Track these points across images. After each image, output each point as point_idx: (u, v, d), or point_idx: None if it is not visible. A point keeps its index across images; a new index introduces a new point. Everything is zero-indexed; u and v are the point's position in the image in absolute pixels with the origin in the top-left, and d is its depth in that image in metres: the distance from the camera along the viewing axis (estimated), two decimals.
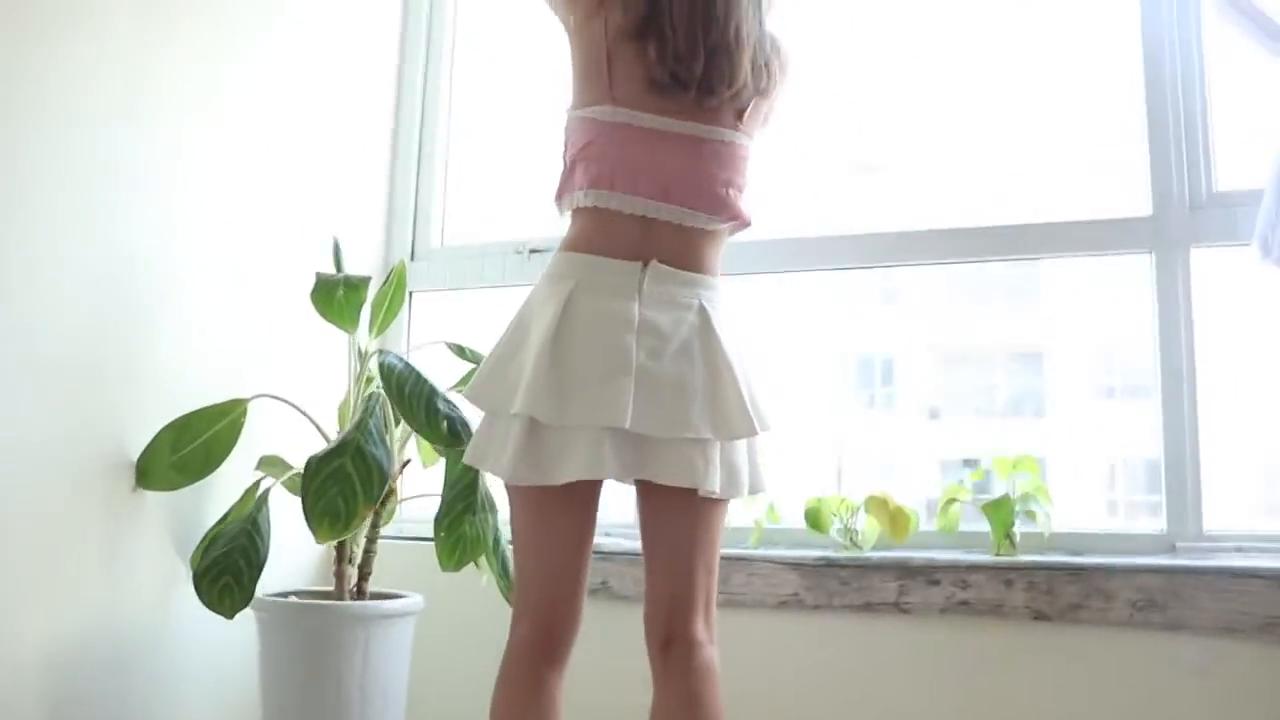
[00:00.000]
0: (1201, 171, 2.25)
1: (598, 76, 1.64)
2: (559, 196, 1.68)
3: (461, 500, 1.99)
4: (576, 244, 1.64)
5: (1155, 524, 2.19)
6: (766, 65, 1.67)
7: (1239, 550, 2.10)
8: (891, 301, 4.94)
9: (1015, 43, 2.82)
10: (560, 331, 1.56)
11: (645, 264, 1.60)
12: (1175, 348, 2.20)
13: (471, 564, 2.10)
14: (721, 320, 1.63)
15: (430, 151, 2.82)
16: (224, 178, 2.30)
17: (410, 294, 2.72)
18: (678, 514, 1.63)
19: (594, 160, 1.63)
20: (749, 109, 1.68)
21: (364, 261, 2.69)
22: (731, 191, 1.66)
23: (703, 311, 1.61)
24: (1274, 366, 2.26)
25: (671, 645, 1.62)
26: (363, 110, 2.76)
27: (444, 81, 2.87)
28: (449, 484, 2.02)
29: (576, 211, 1.66)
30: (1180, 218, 2.23)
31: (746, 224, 1.71)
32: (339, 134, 2.66)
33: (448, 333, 2.44)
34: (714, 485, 1.57)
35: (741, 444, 1.64)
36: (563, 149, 1.69)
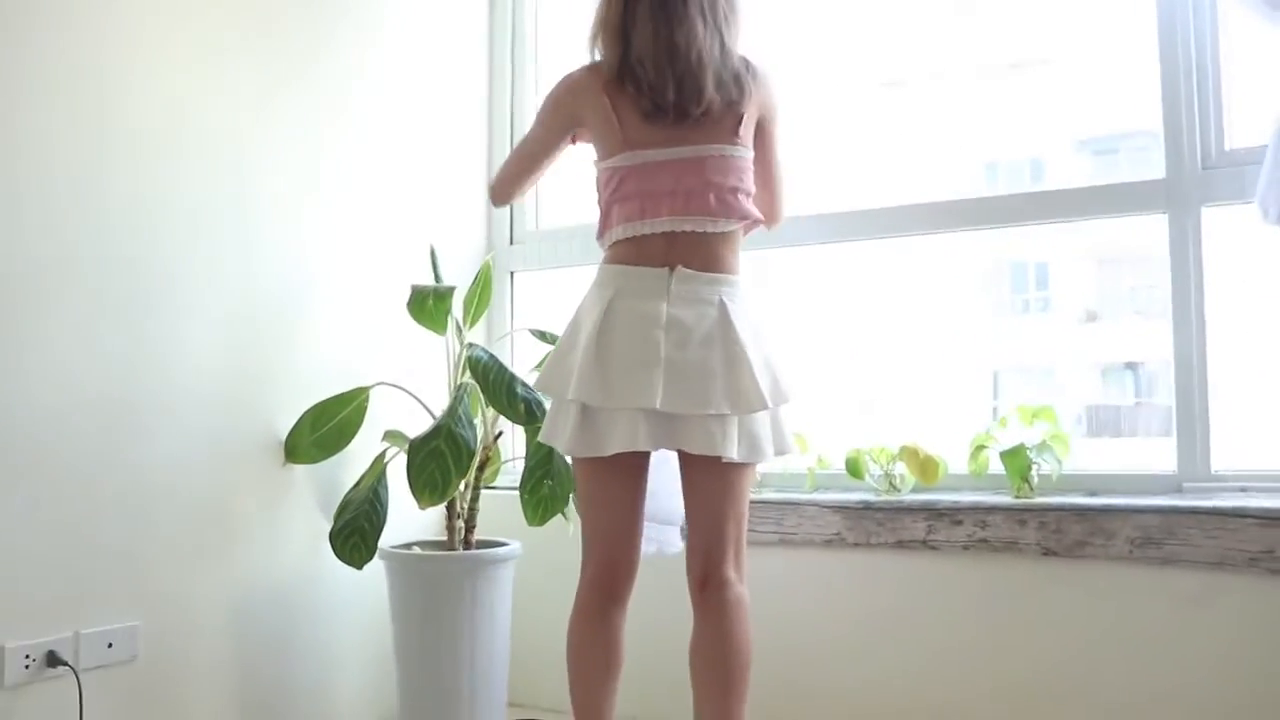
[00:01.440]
0: (1212, 131, 2.36)
1: (611, 132, 1.99)
2: (601, 235, 2.05)
3: (540, 468, 2.39)
4: (616, 258, 2.01)
5: (1169, 465, 2.38)
6: (737, 80, 1.97)
7: (1243, 490, 2.26)
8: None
9: (1034, 30, 2.96)
10: (603, 331, 1.93)
11: (672, 269, 1.95)
12: (1185, 299, 2.35)
13: (560, 515, 2.50)
14: (740, 311, 1.96)
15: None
16: (342, 197, 2.72)
17: (512, 275, 3.11)
18: (709, 477, 1.98)
19: (625, 200, 1.98)
20: (741, 124, 1.98)
21: (470, 247, 3.09)
22: (739, 196, 1.99)
23: (722, 306, 1.94)
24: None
25: (707, 584, 1.98)
26: (460, 108, 3.12)
27: (530, 70, 3.19)
28: (530, 454, 2.41)
29: (625, 239, 2.00)
30: (1192, 178, 2.36)
31: (758, 221, 2.04)
32: (440, 135, 3.04)
33: (546, 307, 2.83)
34: (733, 453, 1.90)
35: (763, 416, 1.96)
36: (598, 197, 2.05)
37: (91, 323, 2.17)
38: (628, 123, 1.98)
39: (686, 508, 2.05)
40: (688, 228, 1.96)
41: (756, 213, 2.04)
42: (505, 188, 2.20)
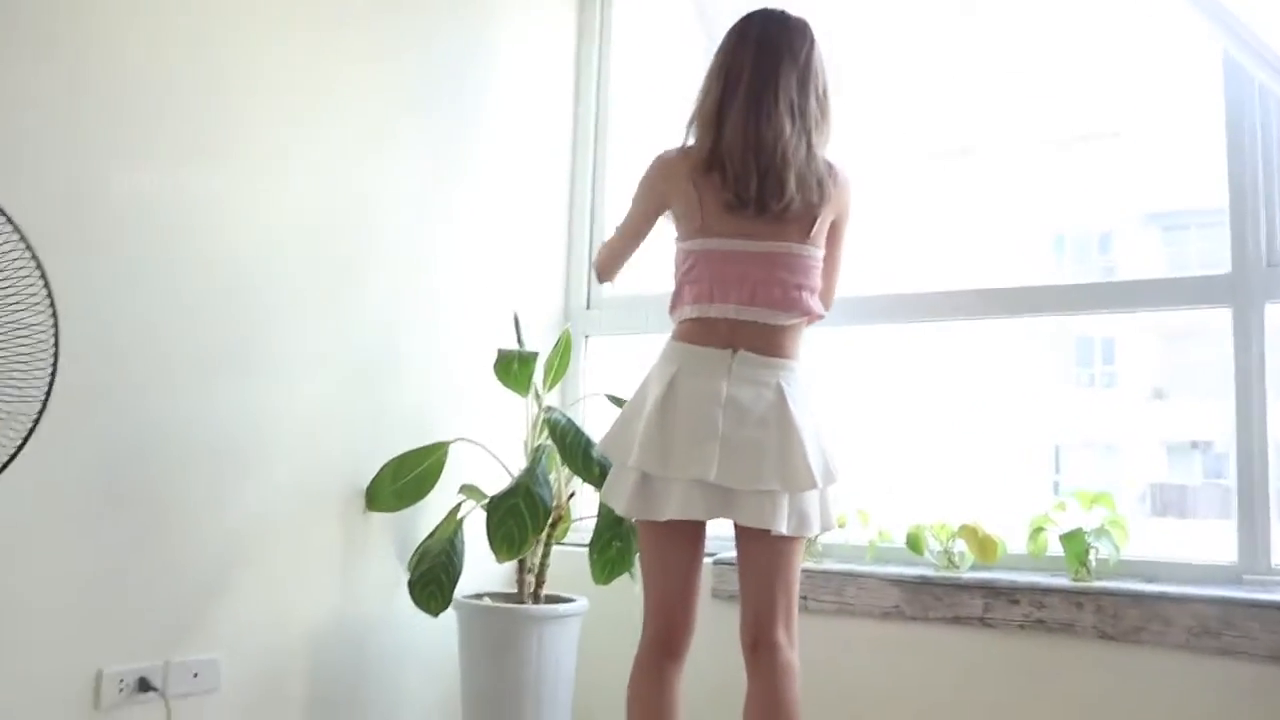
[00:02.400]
0: (1279, 228, 2.42)
1: (691, 216, 2.12)
2: (672, 310, 2.17)
3: (609, 530, 2.49)
4: (683, 336, 2.12)
5: (1229, 555, 2.41)
6: (819, 183, 2.08)
7: None
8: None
9: (1103, 103, 3.03)
10: (665, 404, 2.05)
11: (735, 351, 2.05)
12: (1248, 393, 2.39)
13: (627, 574, 2.59)
14: (795, 394, 2.05)
15: (600, 214, 3.31)
16: (434, 260, 2.87)
17: (586, 338, 3.24)
18: (760, 548, 2.08)
19: (696, 281, 2.11)
20: (815, 226, 2.08)
21: (548, 311, 3.22)
22: (804, 294, 2.10)
23: (779, 389, 2.04)
24: None
25: (758, 648, 2.07)
26: (545, 180, 3.27)
27: (611, 148, 3.34)
28: (601, 516, 2.51)
29: (692, 319, 2.12)
30: (1256, 273, 2.41)
31: (818, 317, 2.14)
32: (525, 204, 3.18)
33: (617, 370, 2.94)
34: (782, 528, 2.00)
35: (812, 494, 2.05)
36: (674, 273, 2.17)
37: (205, 375, 2.33)
38: (709, 210, 2.09)
39: (739, 575, 2.14)
40: (751, 317, 2.07)
41: (820, 309, 2.15)
42: (609, 265, 2.37)
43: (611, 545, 2.48)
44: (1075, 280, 2.76)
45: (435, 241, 2.89)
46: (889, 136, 3.41)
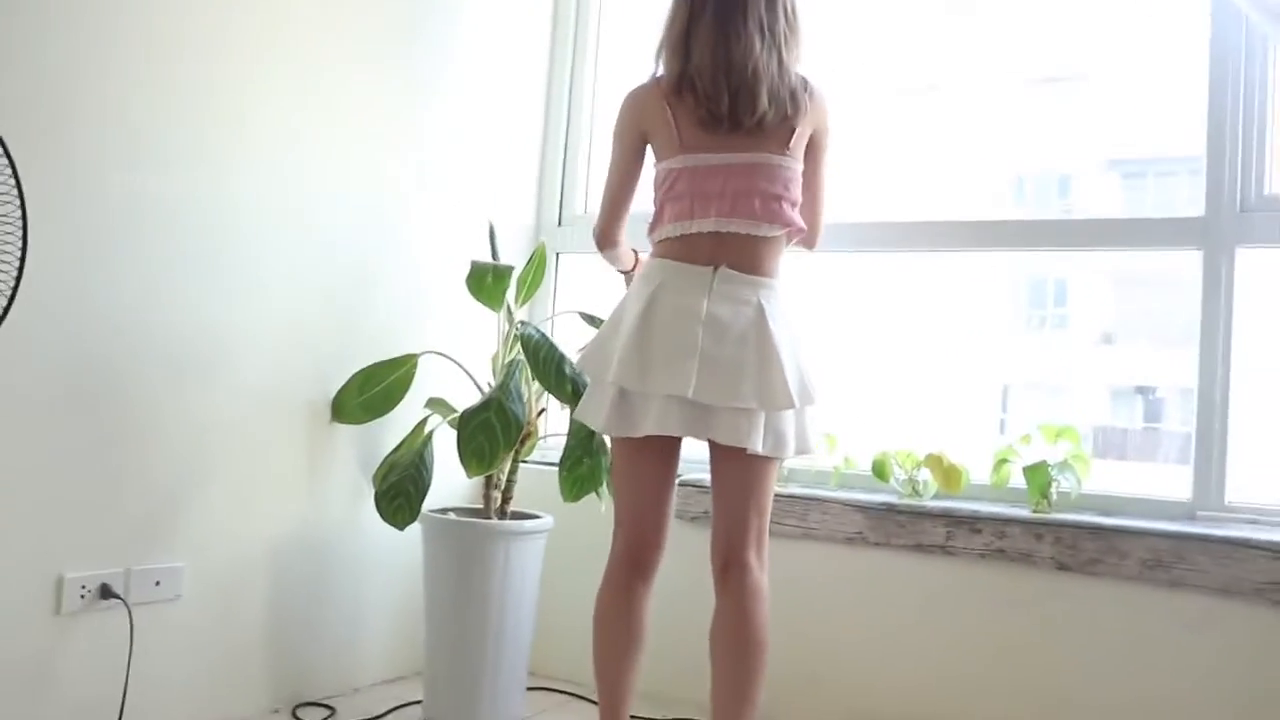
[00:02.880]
0: (1254, 174, 2.44)
1: (669, 138, 2.11)
2: (652, 230, 2.15)
3: (580, 447, 2.48)
4: (664, 253, 2.11)
5: (1184, 492, 2.47)
6: (793, 95, 2.07)
7: (1253, 522, 2.36)
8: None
9: (1087, 44, 3.03)
10: (645, 321, 2.04)
11: (716, 268, 2.05)
12: (1214, 336, 2.43)
13: (593, 493, 2.59)
14: (776, 313, 2.05)
15: (576, 133, 3.26)
16: (398, 167, 2.81)
17: (557, 255, 3.20)
18: (734, 467, 2.09)
19: (677, 199, 2.09)
20: (793, 138, 2.08)
21: (519, 227, 3.18)
22: (784, 205, 2.09)
23: (760, 307, 2.04)
24: None
25: (729, 568, 2.08)
26: (517, 97, 3.21)
27: (589, 61, 3.27)
28: (571, 433, 2.50)
29: (674, 237, 2.10)
30: (1230, 218, 2.44)
31: (801, 230, 2.14)
32: (497, 121, 3.13)
33: (588, 288, 2.92)
34: (758, 446, 2.00)
35: (789, 414, 2.05)
36: (654, 195, 2.15)
37: (164, 272, 2.26)
38: (684, 128, 2.09)
39: (713, 495, 2.15)
40: (732, 229, 2.06)
41: (800, 221, 2.13)
42: (607, 230, 2.27)
43: (581, 463, 2.48)
44: (1052, 216, 2.78)
45: (406, 155, 2.83)
46: (857, 71, 3.39)
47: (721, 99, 2.04)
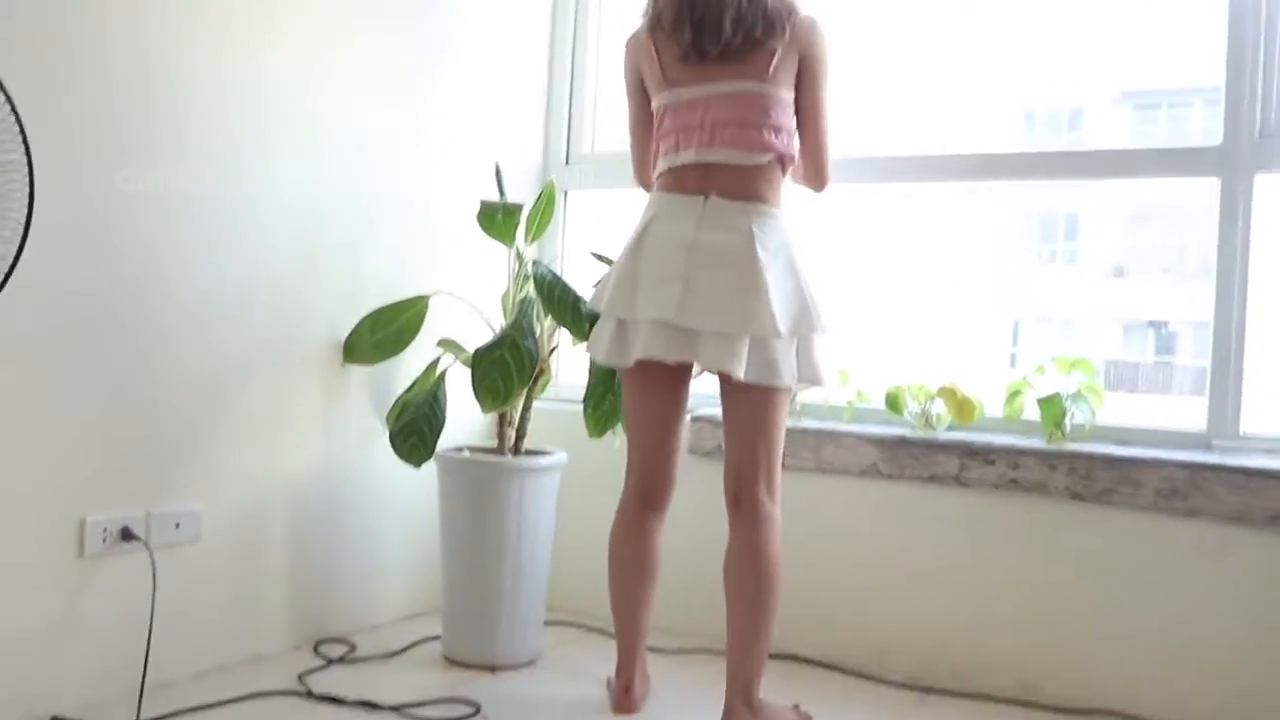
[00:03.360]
0: (1274, 100, 2.41)
1: (655, 76, 2.16)
2: (654, 169, 2.19)
3: (602, 384, 2.48)
4: (660, 186, 2.16)
5: (1199, 423, 2.46)
6: (765, 18, 2.06)
7: (1269, 451, 2.36)
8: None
9: None
10: (636, 250, 2.09)
11: (707, 197, 2.06)
12: (1230, 265, 2.41)
13: (612, 430, 2.59)
14: (768, 240, 2.05)
15: (582, 69, 3.22)
16: (407, 108, 2.78)
17: (565, 193, 3.18)
18: (740, 401, 2.10)
19: (666, 134, 2.14)
20: (772, 63, 2.07)
21: (526, 166, 3.16)
22: (766, 133, 2.08)
23: (750, 233, 2.04)
24: None
25: (740, 502, 2.11)
26: (523, 37, 3.17)
27: (594, 4, 3.22)
28: (591, 370, 2.50)
29: (666, 170, 2.14)
30: (1250, 145, 2.41)
31: (791, 159, 2.13)
32: (503, 61, 3.09)
33: (597, 226, 2.90)
34: (739, 373, 2.00)
35: (783, 343, 2.04)
36: (655, 133, 2.19)
37: (177, 215, 2.24)
38: (668, 64, 2.13)
39: (724, 430, 2.16)
40: (716, 159, 2.07)
41: (787, 148, 2.11)
42: (639, 173, 2.34)
43: (605, 399, 2.48)
44: (1062, 149, 2.75)
45: (415, 96, 2.80)
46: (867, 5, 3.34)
47: (684, 31, 2.07)
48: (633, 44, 2.22)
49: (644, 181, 2.31)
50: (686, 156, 2.09)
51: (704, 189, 2.07)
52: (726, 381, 2.08)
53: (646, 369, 2.10)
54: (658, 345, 2.03)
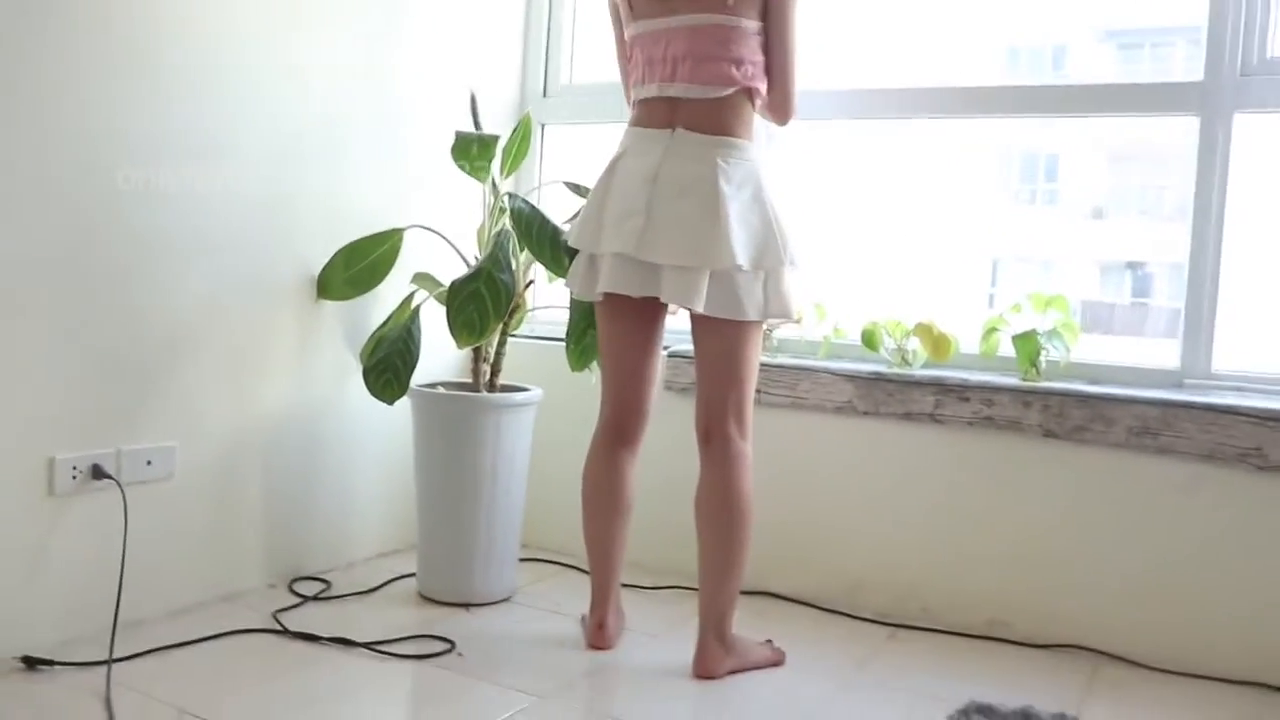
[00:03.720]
0: (1256, 37, 2.38)
1: (626, 7, 2.13)
2: (627, 97, 2.19)
3: (584, 319, 2.46)
4: (631, 120, 2.14)
5: (1172, 361, 2.47)
6: None
7: (1239, 390, 2.38)
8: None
9: None
10: (603, 184, 2.10)
11: (674, 130, 2.05)
12: (1207, 203, 2.41)
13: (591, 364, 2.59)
14: (733, 173, 2.02)
15: (559, 2, 3.16)
16: (380, 40, 2.72)
17: (543, 126, 3.14)
18: (709, 337, 2.10)
19: (635, 67, 2.13)
20: None
21: (504, 98, 3.11)
22: (728, 65, 2.05)
23: (716, 165, 2.02)
24: None
25: (711, 438, 2.11)
26: None
27: None
28: (572, 305, 2.48)
29: (635, 102, 2.13)
30: (1230, 83, 2.39)
31: (757, 91, 2.08)
32: None
33: (574, 160, 2.86)
34: (699, 306, 1.99)
35: (748, 277, 2.01)
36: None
37: (139, 159, 2.19)
38: None
39: (695, 366, 2.16)
40: (676, 93, 2.06)
41: (751, 80, 2.06)
42: (628, 99, 2.25)
43: (586, 334, 2.45)
44: (1042, 83, 2.72)
45: (389, 27, 2.74)
46: None
47: None
48: None
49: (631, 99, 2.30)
50: (650, 90, 2.08)
51: (670, 122, 2.06)
52: (697, 316, 2.08)
53: (616, 302, 2.11)
54: (620, 279, 2.04)
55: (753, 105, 2.09)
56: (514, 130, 2.61)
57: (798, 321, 2.64)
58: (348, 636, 2.22)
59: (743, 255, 1.98)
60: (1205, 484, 2.28)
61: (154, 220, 2.23)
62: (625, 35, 2.17)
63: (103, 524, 2.16)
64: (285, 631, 2.25)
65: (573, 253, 2.24)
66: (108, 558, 2.15)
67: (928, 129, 3.24)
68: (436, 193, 2.80)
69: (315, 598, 2.49)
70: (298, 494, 2.62)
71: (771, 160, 2.81)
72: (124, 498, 2.15)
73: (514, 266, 2.47)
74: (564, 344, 2.50)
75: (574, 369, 2.54)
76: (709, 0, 2.03)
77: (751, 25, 2.06)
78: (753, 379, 2.13)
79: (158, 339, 2.27)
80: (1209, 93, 2.41)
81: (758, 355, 2.14)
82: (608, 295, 2.08)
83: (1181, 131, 2.49)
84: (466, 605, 2.51)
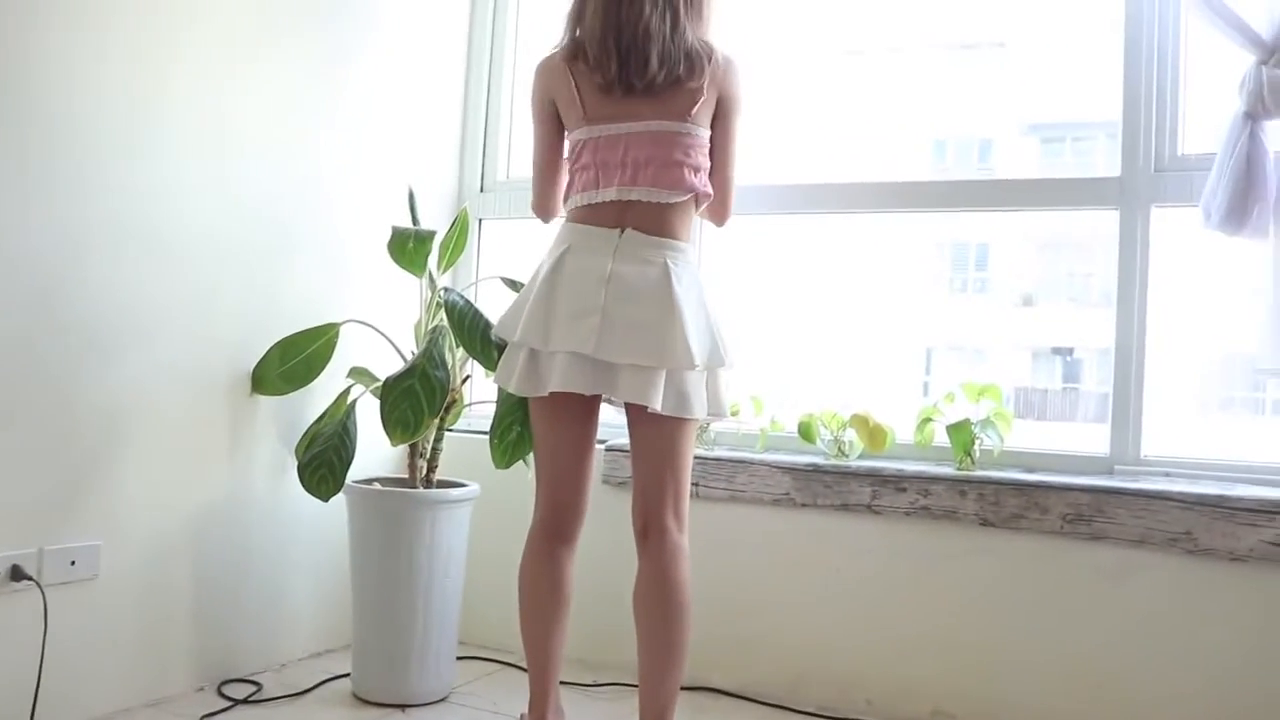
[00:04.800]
0: (1167, 136, 2.49)
1: (573, 107, 2.13)
2: (565, 199, 2.18)
3: (510, 414, 2.44)
4: (574, 217, 2.14)
5: (1102, 448, 2.52)
6: (689, 57, 2.07)
7: (1167, 475, 2.42)
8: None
9: (1005, 11, 3.07)
10: (551, 282, 2.07)
11: (623, 231, 2.07)
12: (1130, 293, 2.48)
13: (521, 460, 2.56)
14: (681, 275, 2.06)
15: (497, 98, 3.21)
16: (320, 137, 2.74)
17: (480, 221, 3.16)
18: (647, 431, 2.10)
19: (584, 169, 2.12)
20: (697, 106, 2.09)
21: (442, 193, 3.14)
22: (686, 171, 2.10)
23: (665, 267, 2.05)
24: (1215, 312, 2.55)
25: (648, 532, 2.10)
26: (438, 63, 3.16)
27: (510, 20, 3.22)
28: (501, 400, 2.46)
29: (583, 206, 2.13)
30: (1145, 178, 2.48)
31: (707, 196, 2.14)
32: (418, 87, 3.07)
33: (511, 254, 2.87)
34: (657, 405, 2.00)
35: (696, 376, 2.06)
36: (568, 165, 2.18)
37: (71, 249, 2.18)
38: (587, 97, 2.11)
39: (631, 459, 2.16)
40: (635, 197, 2.08)
41: (705, 187, 2.13)
42: (542, 203, 2.28)
43: (512, 429, 2.43)
44: (966, 178, 2.82)
45: (327, 122, 2.76)
46: (780, 34, 3.39)
47: (610, 62, 2.06)
48: (545, 70, 2.18)
49: (544, 210, 2.29)
50: (608, 194, 2.08)
51: (620, 223, 2.08)
52: (635, 412, 2.08)
53: (558, 400, 2.09)
54: (575, 378, 2.02)
55: (697, 208, 2.14)
56: (451, 225, 2.63)
57: (734, 415, 2.65)
58: None
59: (698, 355, 2.01)
60: (1138, 569, 2.31)
61: (82, 310, 2.20)
62: (569, 136, 2.16)
63: (21, 628, 2.09)
64: None
65: (501, 346, 2.24)
66: (26, 664, 2.07)
67: (861, 222, 3.32)
68: (373, 287, 2.80)
69: (245, 700, 2.41)
70: (229, 593, 2.56)
71: (710, 255, 2.87)
72: (44, 600, 2.08)
73: (449, 362, 2.46)
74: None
75: (498, 465, 2.51)
76: (670, 108, 2.07)
77: (705, 134, 2.13)
78: (689, 473, 2.14)
79: (84, 432, 2.22)
80: (1127, 187, 2.50)
81: (693, 450, 2.15)
82: (551, 393, 2.07)
83: (1104, 222, 2.57)
84: (402, 706, 2.45)
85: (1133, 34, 2.52)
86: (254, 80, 2.55)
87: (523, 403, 2.48)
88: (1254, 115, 2.26)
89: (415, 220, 2.59)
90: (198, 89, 2.41)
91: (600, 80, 2.08)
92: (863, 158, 3.54)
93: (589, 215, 2.10)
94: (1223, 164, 2.28)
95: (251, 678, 2.57)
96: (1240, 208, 2.24)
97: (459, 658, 2.62)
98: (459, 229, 2.62)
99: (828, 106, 3.63)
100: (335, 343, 2.58)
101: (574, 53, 2.12)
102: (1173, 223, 2.50)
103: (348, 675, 2.57)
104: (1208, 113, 2.46)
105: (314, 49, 2.72)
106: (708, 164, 2.14)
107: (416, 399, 2.35)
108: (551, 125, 2.20)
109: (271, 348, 2.54)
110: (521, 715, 2.32)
